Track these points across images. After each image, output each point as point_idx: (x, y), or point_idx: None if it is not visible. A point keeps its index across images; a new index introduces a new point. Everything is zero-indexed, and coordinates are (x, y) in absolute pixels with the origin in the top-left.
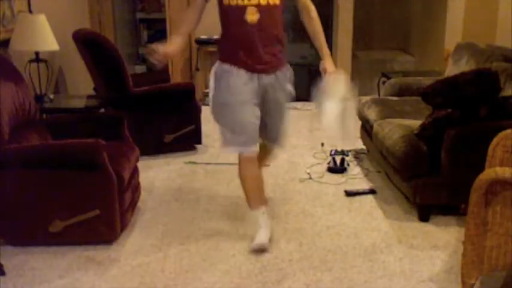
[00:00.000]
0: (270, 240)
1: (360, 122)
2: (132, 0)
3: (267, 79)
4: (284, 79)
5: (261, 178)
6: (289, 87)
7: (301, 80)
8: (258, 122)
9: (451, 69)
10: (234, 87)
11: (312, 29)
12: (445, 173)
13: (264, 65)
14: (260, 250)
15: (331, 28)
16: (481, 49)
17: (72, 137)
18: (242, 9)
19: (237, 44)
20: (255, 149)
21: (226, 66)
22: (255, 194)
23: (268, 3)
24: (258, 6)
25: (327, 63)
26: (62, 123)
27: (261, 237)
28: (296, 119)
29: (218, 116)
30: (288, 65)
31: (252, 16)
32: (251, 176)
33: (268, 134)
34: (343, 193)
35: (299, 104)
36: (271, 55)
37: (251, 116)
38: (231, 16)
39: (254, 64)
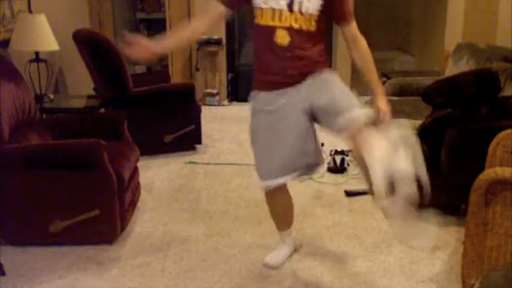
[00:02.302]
0: (287, 260)
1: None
2: (132, 0)
3: (298, 88)
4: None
5: (286, 205)
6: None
7: None
8: (299, 140)
9: (451, 69)
10: (258, 115)
11: (362, 65)
12: (445, 173)
13: (291, 81)
14: (267, 267)
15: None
16: (481, 49)
17: (72, 137)
18: (272, 30)
19: (263, 66)
20: (280, 180)
21: (259, 92)
22: (278, 220)
23: (301, 28)
24: (290, 29)
25: (380, 102)
26: (62, 123)
27: (273, 259)
28: None
29: None
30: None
31: (282, 39)
32: (275, 208)
33: (329, 116)
34: (343, 193)
35: None
36: (300, 72)
37: (286, 139)
38: (259, 36)
39: (283, 83)
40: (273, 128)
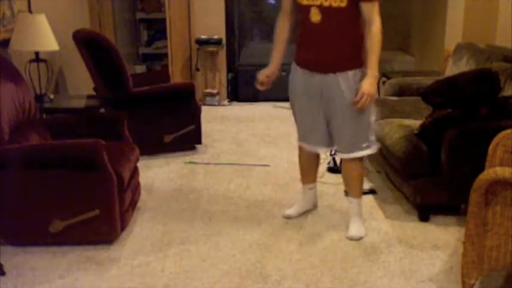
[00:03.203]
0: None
1: None
2: (132, 0)
3: (327, 79)
4: (347, 82)
5: (310, 164)
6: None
7: None
8: (311, 121)
9: (451, 69)
10: (292, 85)
11: (368, 45)
12: (445, 173)
13: (323, 66)
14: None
15: None
16: (481, 49)
17: (72, 137)
18: (307, 8)
19: (301, 43)
20: (304, 145)
21: (293, 64)
22: (301, 173)
23: (331, 5)
24: (320, 7)
25: (365, 82)
26: (62, 123)
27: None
28: None
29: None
30: (359, 70)
31: (315, 16)
32: (300, 161)
33: (335, 139)
34: (343, 193)
35: None
36: (332, 56)
37: (302, 114)
38: (300, 15)
39: (313, 63)
40: (301, 102)
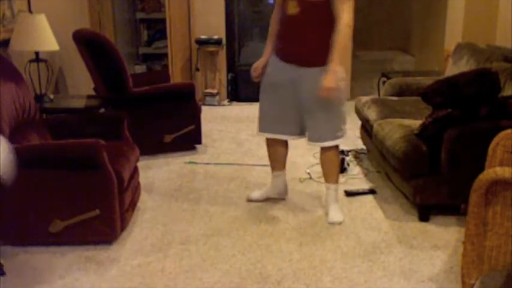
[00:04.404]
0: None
1: (359, 122)
2: (132, 0)
3: (301, 71)
4: (319, 75)
5: (278, 153)
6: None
7: None
8: (276, 111)
9: (451, 69)
10: (267, 75)
11: (334, 41)
12: (445, 173)
13: (298, 58)
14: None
15: None
16: (481, 49)
17: (72, 137)
18: (286, 2)
19: (278, 34)
20: (268, 135)
21: (273, 55)
22: (270, 161)
23: None
24: (299, 0)
25: (324, 77)
26: (62, 123)
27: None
28: None
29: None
30: (326, 66)
31: (292, 9)
32: (268, 150)
33: (309, 129)
34: (343, 193)
35: None
36: (307, 49)
37: (275, 104)
38: (281, 7)
39: (288, 54)
40: (271, 91)
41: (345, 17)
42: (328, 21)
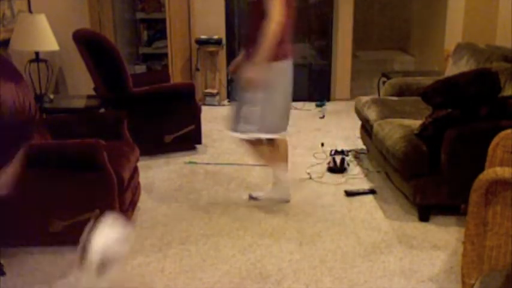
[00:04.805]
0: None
1: (359, 122)
2: (132, 0)
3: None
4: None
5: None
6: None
7: (301, 80)
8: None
9: (451, 69)
10: (289, 76)
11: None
12: (445, 173)
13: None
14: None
15: (331, 28)
16: (481, 49)
17: (72, 137)
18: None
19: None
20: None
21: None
22: (284, 162)
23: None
24: (250, 1)
25: (246, 69)
26: (62, 123)
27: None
28: (296, 118)
29: None
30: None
31: (249, 11)
32: (280, 150)
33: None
34: (343, 193)
35: (299, 104)
36: (253, 49)
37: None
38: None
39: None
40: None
41: (272, 16)
42: (260, 18)
